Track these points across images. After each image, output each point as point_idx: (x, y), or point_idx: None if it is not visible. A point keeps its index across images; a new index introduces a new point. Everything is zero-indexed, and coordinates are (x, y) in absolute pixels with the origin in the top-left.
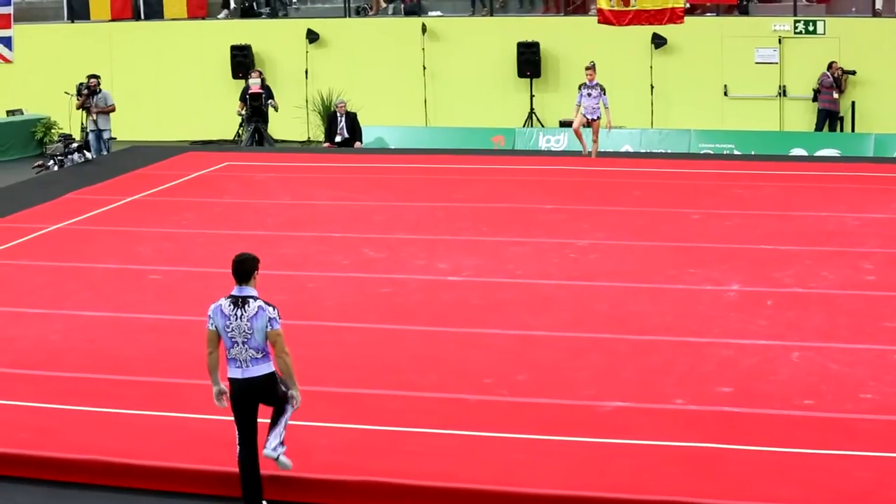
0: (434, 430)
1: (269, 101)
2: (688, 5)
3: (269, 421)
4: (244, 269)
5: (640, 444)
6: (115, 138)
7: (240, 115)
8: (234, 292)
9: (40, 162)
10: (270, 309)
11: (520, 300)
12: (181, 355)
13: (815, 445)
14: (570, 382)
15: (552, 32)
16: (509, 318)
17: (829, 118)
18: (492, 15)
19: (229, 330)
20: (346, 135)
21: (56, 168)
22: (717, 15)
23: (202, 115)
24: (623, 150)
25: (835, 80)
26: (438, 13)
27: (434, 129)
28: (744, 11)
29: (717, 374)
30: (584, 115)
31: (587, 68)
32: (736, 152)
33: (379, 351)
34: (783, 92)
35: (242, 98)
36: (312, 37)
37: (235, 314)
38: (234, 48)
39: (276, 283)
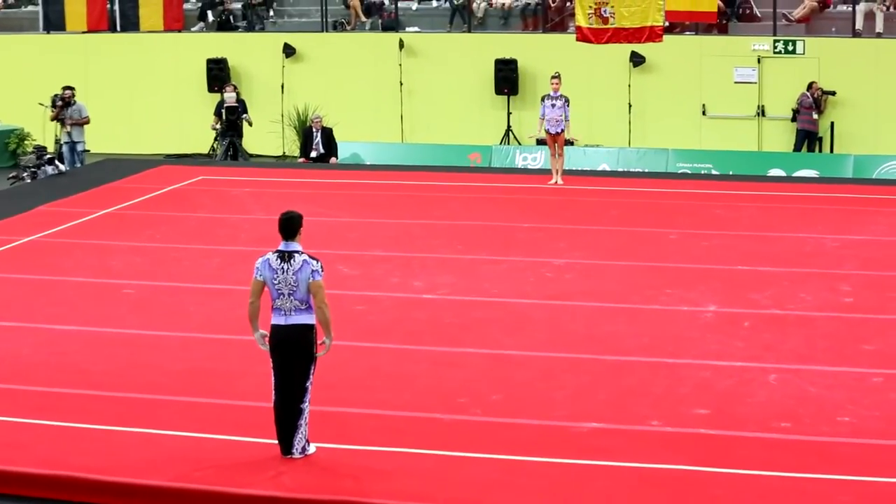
0: (407, 450)
1: (244, 115)
2: (667, 24)
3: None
4: (291, 225)
5: (616, 466)
6: (88, 151)
7: (214, 129)
8: (281, 247)
9: (15, 173)
10: (314, 262)
11: (495, 319)
12: (154, 370)
13: (793, 469)
14: (545, 403)
15: (530, 49)
16: (484, 338)
17: (807, 139)
18: (469, 31)
19: (276, 282)
20: (322, 150)
21: (29, 180)
22: (697, 34)
23: (177, 129)
24: (600, 168)
25: (814, 101)
26: (416, 29)
27: (410, 145)
28: (723, 30)
29: (693, 395)
30: (547, 130)
31: (552, 77)
32: (714, 172)
33: (351, 369)
34: (762, 112)
35: (217, 112)
36: (289, 51)
37: (282, 268)
38: (210, 61)
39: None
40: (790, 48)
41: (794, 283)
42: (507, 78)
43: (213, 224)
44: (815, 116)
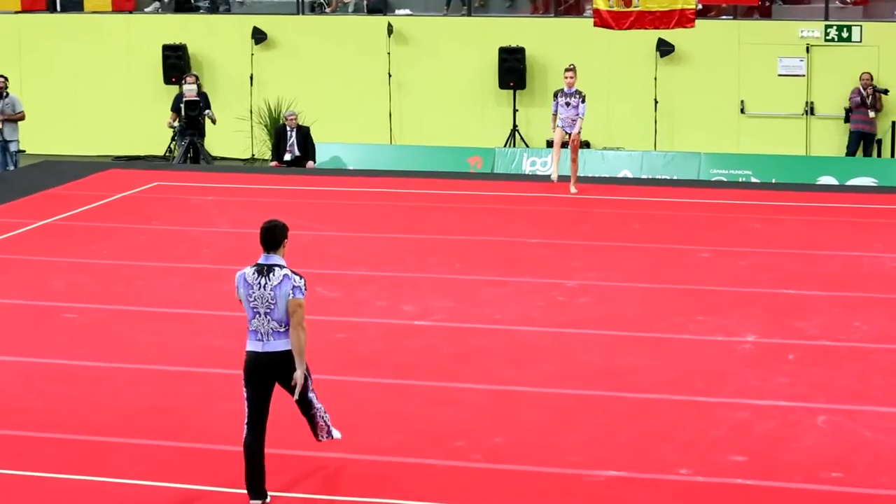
0: (396, 501)
1: (206, 111)
2: (700, 6)
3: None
4: (273, 236)
5: None
6: (24, 151)
7: (172, 127)
8: (261, 260)
9: None
10: (297, 278)
11: (498, 350)
12: (99, 408)
13: None
14: (556, 447)
15: (540, 36)
16: (485, 371)
17: (863, 141)
18: (470, 15)
19: (251, 300)
20: (297, 152)
21: None
22: (735, 18)
23: (128, 127)
24: (621, 175)
25: (861, 98)
26: (407, 11)
27: (400, 147)
28: (766, 14)
29: (728, 440)
30: (563, 129)
31: (566, 70)
32: (754, 180)
33: (332, 407)
34: (810, 110)
35: (175, 107)
36: (259, 36)
37: (259, 283)
38: (166, 48)
39: (213, 325)
40: (844, 35)
41: (847, 309)
42: (513, 69)
43: (171, 238)
44: (872, 115)
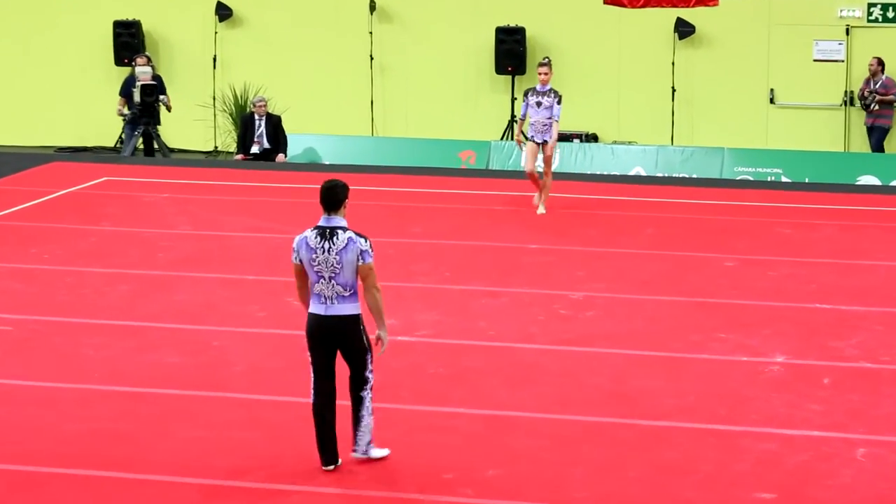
0: None
1: (161, 96)
2: None
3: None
4: (335, 195)
5: None
6: None
7: (122, 114)
8: (322, 222)
9: None
10: (362, 241)
11: (492, 370)
12: (40, 433)
13: None
14: (558, 480)
15: (542, 15)
16: (478, 394)
17: (877, 136)
18: None
19: (315, 264)
20: (267, 144)
21: None
22: None
23: (74, 114)
24: (633, 173)
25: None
26: None
27: (383, 139)
28: None
29: (754, 474)
30: (532, 138)
31: (540, 65)
32: (784, 179)
33: (305, 433)
34: (850, 100)
35: (125, 92)
36: (223, 13)
37: (323, 247)
38: (117, 24)
39: (169, 339)
40: (890, 14)
41: (890, 327)
42: (511, 52)
43: (121, 240)
44: (874, 107)
